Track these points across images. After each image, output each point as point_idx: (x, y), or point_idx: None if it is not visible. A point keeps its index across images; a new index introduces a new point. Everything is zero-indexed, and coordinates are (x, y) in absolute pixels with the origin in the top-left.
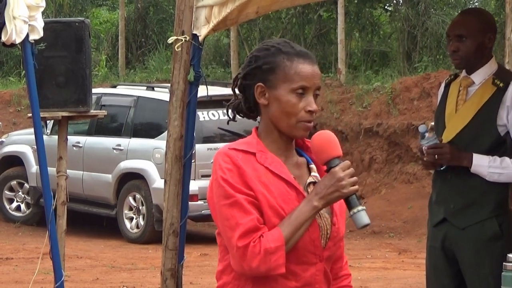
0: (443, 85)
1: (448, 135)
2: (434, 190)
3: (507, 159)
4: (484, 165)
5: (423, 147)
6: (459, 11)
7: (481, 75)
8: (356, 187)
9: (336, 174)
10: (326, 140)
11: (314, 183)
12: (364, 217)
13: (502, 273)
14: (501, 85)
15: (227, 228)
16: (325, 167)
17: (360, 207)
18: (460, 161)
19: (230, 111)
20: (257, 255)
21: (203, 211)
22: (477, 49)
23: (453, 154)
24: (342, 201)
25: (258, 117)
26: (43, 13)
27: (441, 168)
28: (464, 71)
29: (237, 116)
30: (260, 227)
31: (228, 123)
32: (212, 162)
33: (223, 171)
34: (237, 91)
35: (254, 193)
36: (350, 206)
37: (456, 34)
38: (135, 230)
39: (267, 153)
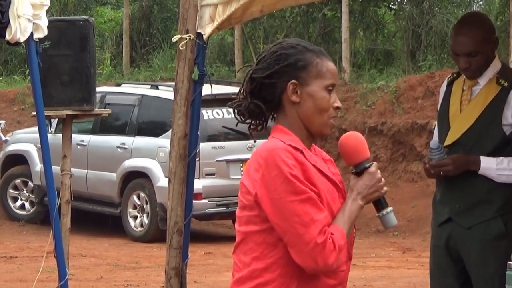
0: (445, 83)
1: (453, 136)
2: (439, 190)
3: None
4: (492, 167)
5: (433, 161)
6: (464, 10)
7: (486, 75)
8: (387, 187)
9: (376, 175)
10: (360, 141)
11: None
12: (393, 218)
13: (507, 272)
14: (505, 84)
15: (298, 224)
16: (331, 169)
17: (389, 208)
18: (468, 166)
19: (238, 111)
20: (333, 251)
21: (207, 210)
22: (487, 58)
23: (458, 164)
24: None
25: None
26: (47, 11)
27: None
28: None
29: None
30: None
31: (236, 125)
32: (216, 160)
33: (290, 167)
34: (245, 92)
35: (317, 190)
36: (380, 207)
37: (465, 53)
38: (139, 229)
39: (308, 151)
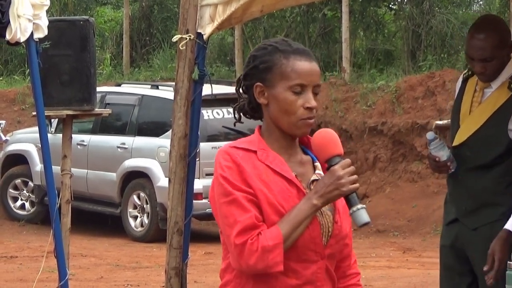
0: (460, 79)
1: (460, 137)
2: (448, 190)
3: None
4: None
5: (430, 153)
6: (464, 10)
7: (499, 79)
8: (355, 185)
9: (336, 173)
10: (326, 138)
11: (317, 180)
12: (363, 215)
13: (507, 272)
14: None
15: (226, 225)
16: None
17: (359, 205)
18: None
19: (235, 112)
20: (255, 252)
21: (207, 210)
22: (502, 62)
23: (502, 251)
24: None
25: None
26: (47, 11)
27: (451, 171)
28: None
29: (243, 117)
30: (258, 224)
31: (234, 124)
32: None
33: (223, 169)
34: (241, 92)
35: (253, 191)
36: (350, 204)
37: (481, 59)
38: (140, 229)
39: (268, 151)
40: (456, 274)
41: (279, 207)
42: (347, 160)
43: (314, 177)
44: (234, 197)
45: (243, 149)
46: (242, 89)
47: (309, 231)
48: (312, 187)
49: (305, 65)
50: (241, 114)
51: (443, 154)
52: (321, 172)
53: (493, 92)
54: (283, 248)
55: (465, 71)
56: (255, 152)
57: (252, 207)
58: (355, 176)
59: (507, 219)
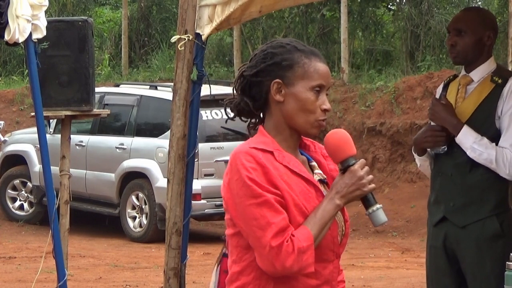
0: (441, 86)
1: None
2: (433, 190)
3: (494, 144)
4: (470, 139)
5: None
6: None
7: (479, 73)
8: (373, 185)
9: (357, 173)
10: (342, 139)
11: (320, 180)
12: (382, 215)
13: (505, 273)
14: (499, 81)
15: (256, 227)
16: (329, 165)
17: (377, 205)
18: (447, 124)
19: (229, 110)
20: (291, 254)
21: (206, 210)
22: (475, 44)
23: (442, 114)
24: None
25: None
26: (46, 12)
27: (441, 151)
28: (463, 70)
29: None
30: (290, 226)
31: (226, 122)
32: (214, 161)
33: (248, 170)
34: (241, 89)
35: (280, 192)
36: (368, 205)
37: (455, 28)
38: (138, 229)
39: (283, 152)
40: (446, 275)
41: (303, 208)
42: (363, 160)
43: (316, 176)
44: (266, 198)
45: (261, 150)
46: (244, 86)
47: (330, 231)
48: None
49: (324, 67)
50: (236, 112)
51: None
52: (321, 172)
53: (476, 87)
54: (314, 249)
55: (446, 78)
56: (271, 152)
57: (282, 209)
58: (371, 176)
59: (497, 216)
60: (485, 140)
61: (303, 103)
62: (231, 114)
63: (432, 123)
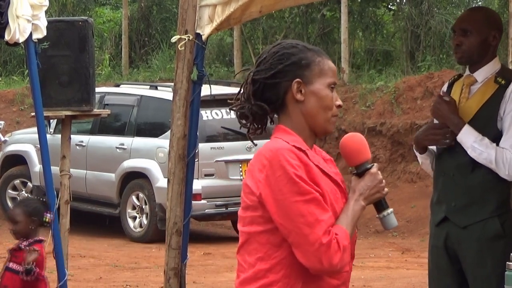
0: (446, 85)
1: None
2: (436, 190)
3: (495, 144)
4: (471, 138)
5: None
6: (463, 10)
7: (483, 74)
8: (387, 189)
9: (378, 176)
10: (360, 143)
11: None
12: (393, 219)
13: (506, 273)
14: (503, 82)
15: (303, 224)
16: (331, 169)
17: (389, 210)
18: (449, 122)
19: (241, 114)
20: (337, 251)
21: (206, 210)
22: (480, 45)
23: (445, 112)
24: None
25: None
26: (46, 12)
27: (445, 144)
28: (467, 70)
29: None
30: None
31: (240, 128)
32: (215, 161)
33: (294, 167)
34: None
35: (322, 191)
36: (381, 209)
37: (461, 28)
38: (139, 229)
39: (311, 151)
40: (448, 274)
41: (336, 207)
42: (377, 164)
43: None
44: (314, 196)
45: (298, 148)
46: (257, 89)
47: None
48: None
49: (333, 65)
50: (244, 119)
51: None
52: None
53: (480, 87)
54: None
55: (451, 78)
56: (304, 151)
57: (327, 207)
58: (384, 181)
59: (498, 217)
60: (486, 140)
61: (323, 100)
62: (243, 121)
63: (435, 121)
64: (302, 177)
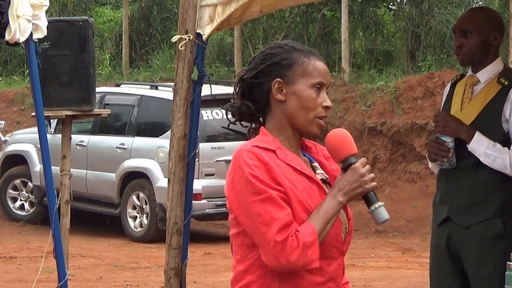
0: (449, 84)
1: None
2: (439, 190)
3: (507, 149)
4: (483, 145)
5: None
6: (464, 10)
7: (486, 74)
8: (375, 183)
9: (358, 170)
10: (342, 137)
11: (322, 180)
12: (384, 213)
13: (506, 273)
14: (506, 83)
15: (260, 224)
16: (331, 166)
17: (379, 203)
18: (458, 133)
19: (230, 114)
20: (296, 249)
21: (206, 210)
22: (481, 45)
23: (450, 124)
24: None
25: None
26: (46, 12)
27: (445, 164)
28: (470, 70)
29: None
30: (294, 222)
31: (228, 126)
32: (215, 161)
33: (251, 167)
34: (242, 92)
35: (283, 189)
36: (369, 202)
37: (461, 29)
38: (139, 229)
39: (285, 150)
40: (449, 274)
41: (307, 204)
42: (364, 159)
43: (319, 176)
44: (269, 195)
45: (263, 148)
46: (244, 89)
47: (333, 228)
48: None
49: (323, 65)
50: (238, 115)
51: (451, 141)
52: (323, 172)
53: (482, 88)
54: (318, 245)
55: (453, 77)
56: (273, 151)
57: (286, 205)
58: (373, 174)
59: (500, 217)
60: (498, 145)
61: (304, 100)
62: (233, 119)
63: (440, 136)
64: (257, 177)
